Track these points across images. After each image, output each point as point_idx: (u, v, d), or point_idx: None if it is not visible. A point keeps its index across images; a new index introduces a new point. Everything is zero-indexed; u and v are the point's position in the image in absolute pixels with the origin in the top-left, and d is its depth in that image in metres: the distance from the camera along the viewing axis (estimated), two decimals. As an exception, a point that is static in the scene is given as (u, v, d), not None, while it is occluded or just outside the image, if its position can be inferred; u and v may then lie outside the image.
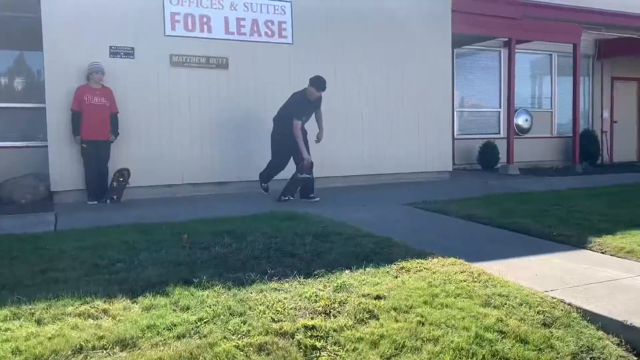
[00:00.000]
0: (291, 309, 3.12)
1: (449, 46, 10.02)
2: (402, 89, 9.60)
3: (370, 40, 9.32)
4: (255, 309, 3.10)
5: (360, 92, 9.31)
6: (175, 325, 2.89)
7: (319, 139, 7.61)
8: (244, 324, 2.92)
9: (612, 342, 3.01)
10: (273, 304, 3.16)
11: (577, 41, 12.02)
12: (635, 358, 2.93)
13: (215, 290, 3.36)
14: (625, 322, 3.07)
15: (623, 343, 3.01)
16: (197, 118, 8.16)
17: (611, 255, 4.56)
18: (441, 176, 10.00)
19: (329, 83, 8.05)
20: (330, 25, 9.00)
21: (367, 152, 9.35)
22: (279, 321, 2.97)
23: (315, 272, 3.71)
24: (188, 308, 3.12)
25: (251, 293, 3.34)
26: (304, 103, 7.31)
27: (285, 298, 3.25)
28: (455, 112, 11.79)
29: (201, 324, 2.91)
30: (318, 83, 7.28)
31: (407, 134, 9.62)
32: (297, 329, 2.88)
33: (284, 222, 5.33)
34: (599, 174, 11.18)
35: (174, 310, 3.09)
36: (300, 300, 3.23)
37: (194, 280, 3.51)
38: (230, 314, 3.04)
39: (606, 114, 14.55)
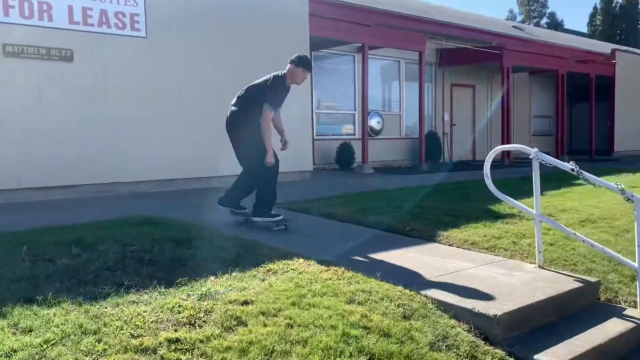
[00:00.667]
0: (152, 322, 2.91)
1: (307, 49, 10.22)
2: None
3: (229, 38, 9.15)
4: (111, 325, 2.84)
5: (221, 91, 9.11)
6: (15, 351, 2.53)
7: (284, 145, 5.61)
8: (98, 343, 2.66)
9: (463, 329, 3.26)
10: (132, 318, 2.92)
11: (422, 49, 13.00)
12: (483, 342, 3.20)
13: (63, 308, 3.01)
14: (473, 310, 3.35)
15: (472, 329, 3.27)
16: (36, 115, 7.33)
17: (457, 247, 4.97)
18: (303, 176, 10.17)
19: (185, 82, 7.74)
20: (188, 21, 8.67)
21: (224, 153, 9.17)
22: (139, 336, 2.75)
23: (178, 281, 3.52)
24: (31, 330, 2.75)
25: (106, 308, 3.05)
26: (282, 89, 5.33)
27: (145, 311, 3.02)
28: (314, 114, 12.08)
29: (48, 347, 2.59)
30: (306, 61, 5.37)
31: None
32: (160, 343, 2.69)
33: (140, 228, 4.99)
34: (441, 172, 12.21)
35: (14, 334, 2.71)
36: (162, 312, 3.03)
37: (38, 297, 3.12)
38: (83, 332, 2.75)
39: (447, 117, 15.97)
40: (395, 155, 14.23)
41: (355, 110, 13.52)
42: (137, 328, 2.83)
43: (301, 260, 4.07)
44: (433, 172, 12.27)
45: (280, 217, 5.44)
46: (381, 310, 3.30)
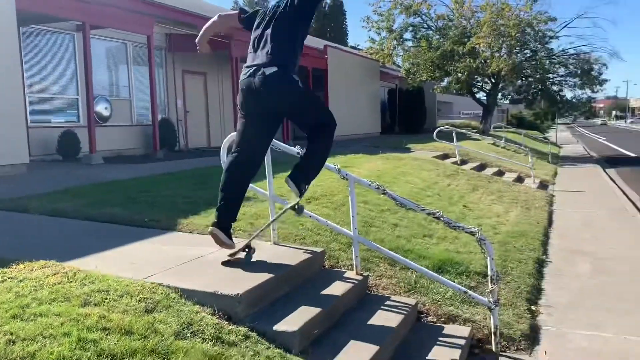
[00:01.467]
0: None
1: (14, 24, 8.87)
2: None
3: None
4: None
5: None
6: None
7: None
8: None
9: (207, 313, 3.30)
10: None
11: (149, 33, 12.55)
12: (227, 322, 3.29)
13: None
14: (216, 292, 3.41)
15: (216, 311, 3.34)
16: None
17: (198, 233, 5.00)
18: (16, 170, 8.86)
19: None
20: None
21: None
22: None
23: None
24: None
25: None
26: None
27: None
28: (27, 98, 10.60)
29: None
30: None
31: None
32: None
33: None
34: (178, 160, 12.08)
35: None
36: None
37: None
38: None
39: (180, 104, 15.83)
40: (127, 144, 13.51)
41: (78, 94, 12.35)
42: None
43: (21, 266, 3.56)
44: (169, 160, 12.06)
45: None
46: (121, 308, 3.11)
